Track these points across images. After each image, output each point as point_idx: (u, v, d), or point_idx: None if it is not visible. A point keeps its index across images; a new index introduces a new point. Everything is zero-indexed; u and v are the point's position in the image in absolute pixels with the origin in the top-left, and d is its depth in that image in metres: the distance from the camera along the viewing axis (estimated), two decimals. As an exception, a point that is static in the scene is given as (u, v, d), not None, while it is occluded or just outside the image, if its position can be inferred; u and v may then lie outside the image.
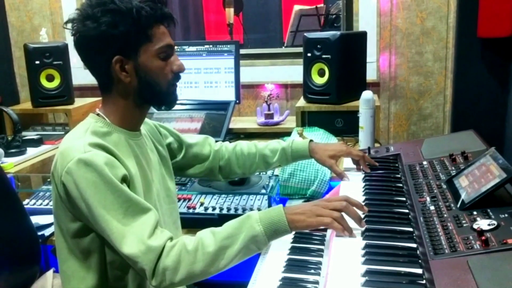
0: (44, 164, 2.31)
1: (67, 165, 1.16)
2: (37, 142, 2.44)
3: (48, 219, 1.92)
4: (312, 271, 1.17)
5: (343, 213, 1.22)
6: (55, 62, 2.60)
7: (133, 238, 1.13)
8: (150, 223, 1.16)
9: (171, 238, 1.17)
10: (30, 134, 2.53)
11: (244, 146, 1.66)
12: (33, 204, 2.01)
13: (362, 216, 1.27)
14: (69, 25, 1.26)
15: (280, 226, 1.18)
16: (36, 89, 2.60)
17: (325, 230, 1.33)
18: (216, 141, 1.69)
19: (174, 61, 1.32)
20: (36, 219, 1.90)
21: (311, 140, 1.66)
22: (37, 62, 2.58)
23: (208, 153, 1.63)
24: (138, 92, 1.29)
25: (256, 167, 1.65)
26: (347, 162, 1.80)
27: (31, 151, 2.37)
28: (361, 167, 1.64)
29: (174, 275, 1.13)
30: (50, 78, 2.62)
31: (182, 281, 1.14)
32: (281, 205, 1.23)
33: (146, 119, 1.47)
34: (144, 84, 1.28)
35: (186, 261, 1.13)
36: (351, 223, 1.24)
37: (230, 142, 1.73)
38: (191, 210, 1.83)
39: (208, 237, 1.17)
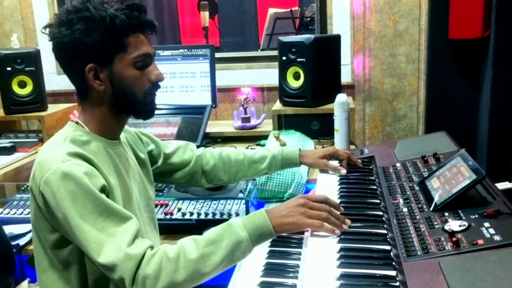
0: (17, 172, 2.27)
1: (45, 175, 1.14)
2: (9, 150, 2.40)
3: (23, 228, 1.89)
4: (291, 274, 1.18)
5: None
6: (27, 68, 2.55)
7: (111, 246, 1.11)
8: (130, 232, 1.14)
9: (151, 247, 1.15)
10: (2, 142, 2.48)
11: (231, 152, 1.66)
12: (7, 214, 1.99)
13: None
14: (47, 30, 1.25)
15: (265, 230, 1.17)
16: (8, 96, 2.55)
17: (302, 233, 1.34)
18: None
19: (152, 70, 1.29)
20: (10, 229, 1.87)
21: (299, 149, 1.67)
22: (9, 68, 2.53)
23: (190, 158, 1.62)
24: (113, 101, 1.28)
25: (243, 174, 1.64)
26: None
27: (3, 159, 2.33)
28: (342, 164, 1.67)
29: (155, 284, 1.10)
30: (22, 85, 2.57)
31: None
32: (262, 209, 1.22)
33: (127, 127, 1.46)
34: (118, 93, 1.27)
35: (168, 269, 1.11)
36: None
37: (207, 146, 1.73)
38: (168, 216, 1.83)
39: (190, 244, 1.15)
